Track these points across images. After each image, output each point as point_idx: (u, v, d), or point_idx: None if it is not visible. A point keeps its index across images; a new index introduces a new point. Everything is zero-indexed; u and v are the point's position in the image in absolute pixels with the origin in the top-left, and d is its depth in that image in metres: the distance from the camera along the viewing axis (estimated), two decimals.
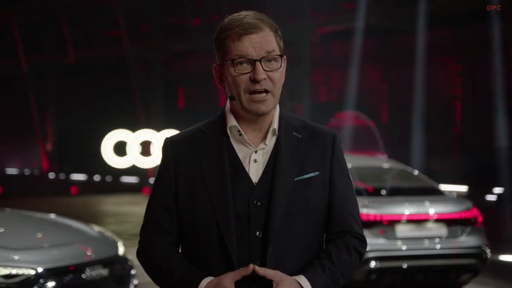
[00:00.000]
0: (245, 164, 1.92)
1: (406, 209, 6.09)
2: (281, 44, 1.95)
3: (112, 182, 21.56)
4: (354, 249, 1.94)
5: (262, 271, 1.81)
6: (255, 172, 1.92)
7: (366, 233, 5.94)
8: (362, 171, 6.95)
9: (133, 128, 15.46)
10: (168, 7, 21.16)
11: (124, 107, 22.66)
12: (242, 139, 1.93)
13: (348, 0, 16.38)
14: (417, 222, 6.09)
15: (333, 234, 1.96)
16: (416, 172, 7.18)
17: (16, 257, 4.72)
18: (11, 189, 18.28)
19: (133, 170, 16.93)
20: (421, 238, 6.07)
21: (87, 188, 19.01)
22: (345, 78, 17.96)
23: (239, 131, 1.93)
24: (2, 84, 27.76)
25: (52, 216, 6.09)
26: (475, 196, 12.91)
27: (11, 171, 27.32)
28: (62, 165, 24.74)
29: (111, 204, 14.94)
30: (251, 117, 1.92)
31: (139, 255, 1.98)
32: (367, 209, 6.02)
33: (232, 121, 1.93)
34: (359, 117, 19.28)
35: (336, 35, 18.20)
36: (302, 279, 1.85)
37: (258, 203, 1.89)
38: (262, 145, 1.94)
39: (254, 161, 1.92)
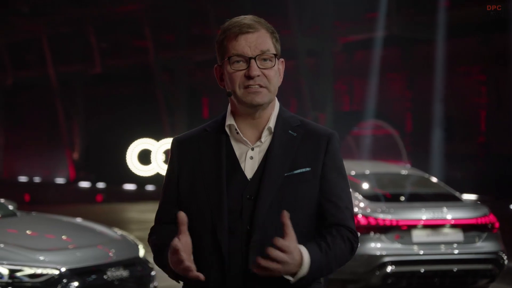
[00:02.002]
0: (241, 161, 2.03)
1: (423, 215, 6.14)
2: (278, 47, 2.05)
3: (136, 190, 21.83)
4: (348, 239, 2.00)
5: (285, 219, 1.84)
6: (250, 168, 2.02)
7: (382, 237, 6.02)
8: (380, 177, 7.02)
9: (158, 137, 15.67)
10: (192, 18, 21.42)
11: (149, 116, 22.92)
12: (239, 137, 2.04)
13: (371, 10, 16.44)
14: (433, 228, 6.14)
15: (327, 227, 2.01)
16: (434, 179, 7.23)
17: (41, 258, 4.90)
18: (38, 196, 18.61)
19: (157, 178, 17.13)
20: (437, 243, 6.12)
21: (112, 196, 19.27)
22: (369, 87, 17.99)
23: (236, 129, 2.04)
24: (31, 94, 28.27)
25: (77, 220, 6.28)
26: (499, 205, 12.84)
27: (39, 179, 27.76)
28: (88, 173, 25.06)
29: (135, 211, 15.15)
30: (248, 111, 2.02)
31: (148, 242, 2.14)
32: (384, 214, 6.09)
33: (230, 120, 2.05)
34: (382, 126, 19.28)
35: (359, 44, 18.26)
36: (303, 249, 1.88)
37: (251, 197, 1.99)
38: (258, 143, 2.04)
39: (250, 158, 2.03)
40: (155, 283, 5.42)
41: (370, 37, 16.73)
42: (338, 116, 18.79)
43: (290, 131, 2.06)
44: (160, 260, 2.01)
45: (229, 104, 2.09)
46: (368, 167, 7.29)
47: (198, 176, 2.04)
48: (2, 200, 6.23)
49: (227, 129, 2.06)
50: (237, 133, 2.05)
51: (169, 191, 2.10)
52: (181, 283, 2.07)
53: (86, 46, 23.47)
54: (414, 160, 17.65)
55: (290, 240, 1.84)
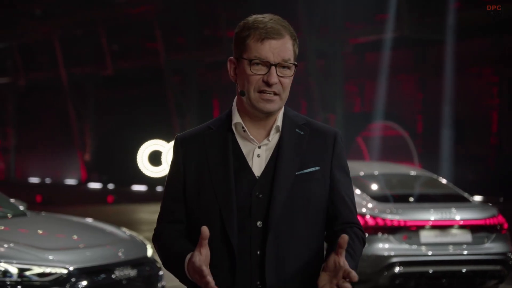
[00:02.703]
0: (248, 159, 2.03)
1: (431, 215, 6.13)
2: (297, 52, 2.06)
3: (147, 191, 21.91)
4: (361, 238, 2.05)
5: (342, 262, 1.86)
6: (258, 166, 2.03)
7: (390, 238, 6.02)
8: (389, 178, 7.02)
9: (169, 139, 15.72)
10: (203, 20, 21.48)
11: (160, 117, 23.01)
12: (246, 135, 2.05)
13: (381, 11, 16.42)
14: (442, 228, 6.13)
15: (339, 225, 2.05)
16: (443, 180, 7.22)
17: (50, 257, 4.94)
18: (50, 197, 18.72)
19: None
20: (445, 244, 6.10)
21: (122, 197, 19.35)
22: (380, 89, 17.96)
23: (243, 127, 2.04)
24: (43, 95, 28.45)
25: (86, 220, 6.32)
26: (510, 206, 12.77)
27: (51, 180, 27.92)
28: (99, 174, 25.18)
29: (146, 212, 15.20)
30: (257, 114, 2.03)
31: (152, 241, 2.13)
32: (392, 215, 6.09)
33: (237, 118, 2.05)
34: (392, 127, 19.24)
35: (369, 45, 18.24)
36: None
37: (260, 195, 2.00)
38: (265, 141, 2.05)
39: (258, 156, 2.04)
40: (163, 283, 5.45)
41: (381, 38, 16.70)
42: (348, 118, 18.77)
43: (297, 130, 2.07)
44: (173, 268, 2.01)
45: (234, 101, 2.10)
46: (377, 168, 7.30)
47: (205, 174, 2.04)
48: (13, 200, 6.29)
49: (233, 127, 2.06)
50: (244, 131, 2.05)
51: (173, 189, 2.09)
52: None
53: (98, 48, 23.60)
54: (425, 161, 17.60)
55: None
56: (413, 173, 7.24)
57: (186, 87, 21.84)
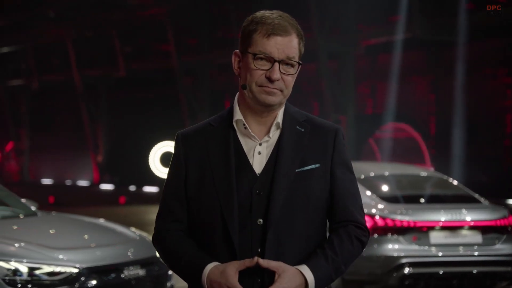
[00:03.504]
0: (249, 156, 2.04)
1: (441, 216, 6.11)
2: (302, 51, 2.06)
3: (159, 193, 21.96)
4: (355, 238, 2.02)
5: (265, 263, 1.91)
6: (258, 163, 2.03)
7: (400, 239, 6.01)
8: (399, 179, 7.00)
9: None
10: (215, 21, 21.53)
11: (172, 119, 23.07)
12: (247, 132, 2.05)
13: (393, 12, 16.37)
14: (451, 229, 6.11)
15: (335, 224, 2.06)
16: (454, 181, 7.19)
17: (60, 256, 4.97)
18: (62, 199, 18.82)
19: None
20: (455, 245, 6.08)
21: (135, 198, 19.43)
22: (392, 90, 17.90)
23: (244, 124, 2.05)
24: (56, 97, 28.62)
25: (96, 220, 6.36)
26: None
27: (64, 182, 28.07)
28: (112, 176, 25.29)
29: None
30: (258, 108, 2.03)
31: (154, 241, 2.13)
32: (401, 216, 6.07)
33: (238, 115, 2.06)
34: (405, 129, 19.17)
35: (382, 47, 18.18)
36: (304, 269, 1.94)
37: (261, 193, 2.00)
38: (266, 138, 2.05)
39: (258, 153, 2.04)
40: (172, 282, 5.47)
41: (393, 39, 16.65)
42: (360, 119, 18.73)
43: (297, 127, 2.07)
44: (186, 273, 2.02)
45: (236, 98, 2.10)
46: (387, 169, 7.28)
47: (206, 171, 2.04)
48: (24, 200, 6.34)
49: (234, 124, 2.06)
50: (245, 128, 2.05)
51: (174, 186, 2.09)
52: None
53: (110, 50, 23.71)
54: (437, 163, 17.52)
55: (280, 279, 1.90)
56: (423, 174, 7.22)
57: (198, 88, 21.90)
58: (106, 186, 24.76)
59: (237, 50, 2.07)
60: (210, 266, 1.96)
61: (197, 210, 2.05)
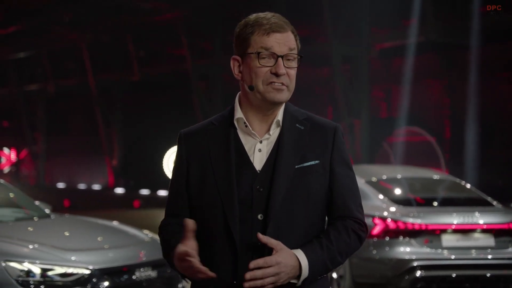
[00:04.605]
0: (250, 153, 2.08)
1: (453, 219, 6.08)
2: (299, 46, 2.12)
3: None
4: (352, 231, 2.06)
5: (265, 239, 1.95)
6: (259, 160, 2.08)
7: (411, 242, 5.99)
8: (411, 182, 6.98)
9: None
10: (228, 25, 21.59)
11: (186, 122, 23.04)
12: (248, 130, 2.10)
13: (407, 16, 16.33)
14: (464, 232, 6.08)
15: (333, 219, 2.10)
16: (467, 185, 7.15)
17: (72, 258, 5.02)
18: (77, 202, 18.94)
19: None
20: (467, 248, 6.05)
21: (149, 202, 19.51)
22: (406, 94, 17.84)
23: (245, 122, 2.09)
24: (71, 102, 28.82)
25: (108, 222, 6.40)
26: None
27: (79, 185, 28.25)
28: (127, 180, 25.41)
29: None
30: (266, 107, 2.08)
31: (158, 235, 2.21)
32: (413, 219, 6.06)
33: (239, 113, 2.11)
34: (419, 132, 19.09)
35: (396, 50, 18.13)
36: (299, 253, 1.98)
37: (261, 189, 2.04)
38: (266, 136, 2.09)
39: (259, 151, 2.08)
40: (183, 284, 5.49)
41: (407, 43, 16.61)
42: (374, 123, 18.68)
43: (297, 125, 2.11)
44: (168, 259, 2.10)
45: (237, 97, 2.15)
46: (400, 172, 7.27)
47: (208, 169, 2.09)
48: (37, 203, 6.40)
49: (235, 122, 2.11)
50: (246, 126, 2.10)
51: (177, 183, 2.15)
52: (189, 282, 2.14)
53: (125, 55, 23.85)
54: (452, 167, 17.43)
55: (277, 254, 1.93)
56: (435, 177, 7.19)
57: (212, 92, 21.97)
58: (121, 190, 24.88)
59: (235, 56, 2.12)
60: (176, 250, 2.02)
61: (199, 206, 2.09)
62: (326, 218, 2.14)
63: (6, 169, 29.83)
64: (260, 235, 1.95)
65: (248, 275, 1.92)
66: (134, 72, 23.36)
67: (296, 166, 2.06)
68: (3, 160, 30.12)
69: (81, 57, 25.36)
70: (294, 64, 2.08)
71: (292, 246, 2.00)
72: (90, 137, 27.78)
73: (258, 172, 2.06)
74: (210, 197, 2.07)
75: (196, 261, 1.94)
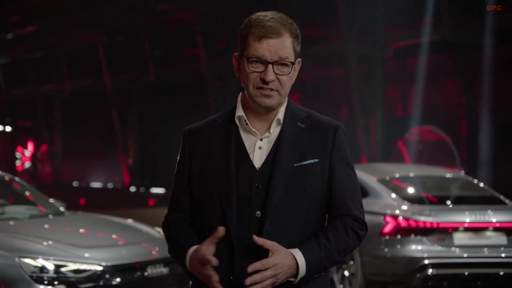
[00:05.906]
0: (250, 151, 2.10)
1: (465, 217, 6.07)
2: (298, 49, 2.10)
3: None
4: (351, 229, 2.07)
5: (260, 240, 1.97)
6: (259, 158, 2.10)
7: (423, 240, 5.99)
8: (424, 180, 6.98)
9: None
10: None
11: None
12: (248, 128, 2.12)
13: (422, 15, 16.27)
14: (475, 230, 6.06)
15: (332, 217, 2.10)
16: (480, 183, 7.13)
17: (85, 254, 5.08)
18: (93, 201, 19.09)
19: None
20: (479, 246, 6.04)
21: (164, 200, 19.60)
22: (421, 93, 17.77)
23: (245, 120, 2.12)
24: (87, 101, 29.03)
25: (122, 219, 6.46)
26: None
27: (96, 185, 28.45)
28: (142, 179, 25.54)
29: None
30: (258, 109, 2.10)
31: (162, 229, 2.25)
32: (425, 217, 6.05)
33: (240, 112, 2.13)
34: (435, 132, 19.01)
35: (411, 49, 18.07)
36: (296, 252, 2.00)
37: (260, 186, 2.06)
38: (267, 134, 2.11)
39: (259, 148, 2.11)
40: None
41: (422, 42, 16.55)
42: (389, 122, 18.62)
43: (298, 123, 2.12)
44: (177, 256, 2.12)
45: (240, 95, 2.17)
46: (412, 170, 7.26)
47: (208, 165, 2.12)
48: (52, 200, 6.48)
49: (236, 120, 2.13)
50: (246, 124, 2.12)
51: (180, 179, 2.18)
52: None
53: (140, 55, 23.98)
54: (468, 166, 17.33)
55: (273, 256, 1.95)
56: (448, 175, 7.18)
57: (226, 91, 22.02)
58: (136, 189, 25.01)
59: (237, 53, 2.15)
60: (192, 249, 2.05)
61: (199, 202, 2.13)
62: (326, 216, 2.16)
63: (27, 164, 30.10)
64: (255, 237, 1.97)
65: (248, 280, 1.94)
66: (149, 72, 23.46)
67: (295, 164, 2.07)
68: (22, 156, 30.39)
69: (97, 57, 25.53)
70: (287, 70, 2.06)
71: (289, 243, 2.01)
72: (106, 137, 27.96)
73: (257, 169, 2.08)
74: (209, 192, 2.10)
75: (216, 276, 1.98)
